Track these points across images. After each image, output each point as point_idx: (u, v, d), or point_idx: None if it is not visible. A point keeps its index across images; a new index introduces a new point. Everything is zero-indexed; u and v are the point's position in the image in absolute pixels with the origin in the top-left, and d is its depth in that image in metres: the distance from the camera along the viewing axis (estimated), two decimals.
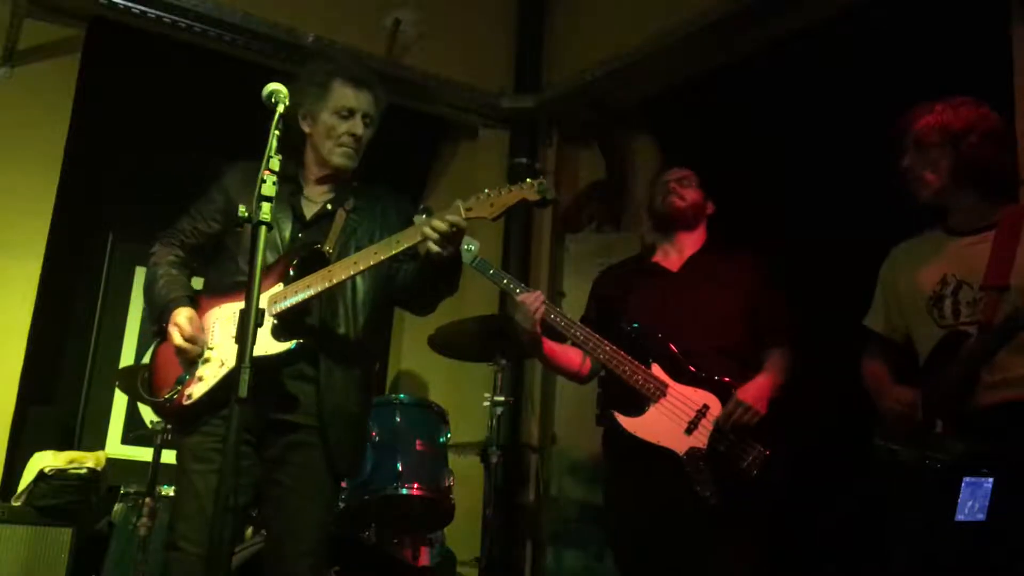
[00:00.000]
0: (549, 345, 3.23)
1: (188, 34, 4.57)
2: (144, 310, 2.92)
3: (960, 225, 2.70)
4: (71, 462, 3.99)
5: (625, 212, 5.23)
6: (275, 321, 2.63)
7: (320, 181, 2.87)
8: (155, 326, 2.76)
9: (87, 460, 4.03)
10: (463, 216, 2.53)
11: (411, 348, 5.28)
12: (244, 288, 2.65)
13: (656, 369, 3.08)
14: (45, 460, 3.96)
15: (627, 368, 3.06)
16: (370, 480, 3.45)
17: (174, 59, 4.69)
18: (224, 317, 2.70)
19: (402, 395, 3.95)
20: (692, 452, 2.97)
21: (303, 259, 2.69)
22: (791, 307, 3.27)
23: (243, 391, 2.10)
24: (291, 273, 2.66)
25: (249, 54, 4.74)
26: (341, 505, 3.43)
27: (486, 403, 3.95)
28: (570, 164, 5.52)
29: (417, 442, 3.56)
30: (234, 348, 2.61)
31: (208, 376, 2.65)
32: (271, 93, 2.33)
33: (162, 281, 2.77)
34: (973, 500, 2.31)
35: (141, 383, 2.76)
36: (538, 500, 4.98)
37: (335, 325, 2.73)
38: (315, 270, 2.65)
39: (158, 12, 4.45)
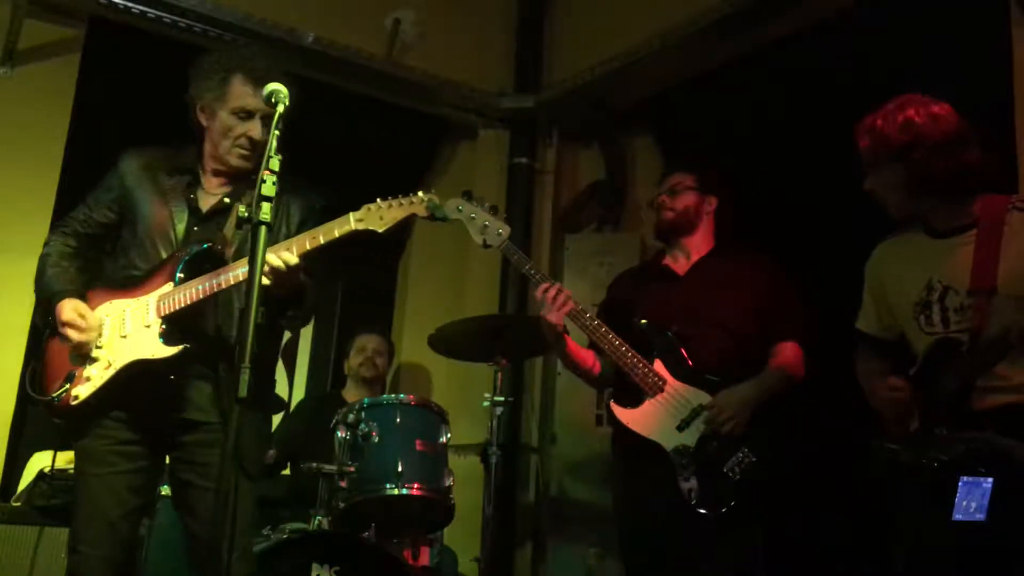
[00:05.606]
0: (568, 340, 3.24)
1: (188, 34, 4.56)
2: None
3: (939, 226, 2.63)
4: (71, 462, 3.98)
5: (625, 212, 5.23)
6: (163, 324, 2.53)
7: (217, 173, 2.76)
8: (42, 319, 2.68)
9: None
10: (325, 240, 2.46)
11: (411, 348, 5.28)
12: (136, 284, 2.59)
13: (658, 365, 3.11)
14: (45, 460, 3.96)
15: (630, 360, 3.09)
16: (370, 480, 3.45)
17: (174, 59, 4.67)
18: (114, 314, 2.59)
19: (402, 395, 3.93)
20: (679, 449, 2.98)
21: (194, 257, 2.57)
22: (803, 303, 3.26)
23: (243, 391, 2.06)
24: (180, 273, 2.55)
25: None
26: (341, 505, 3.43)
27: (486, 403, 3.94)
28: (570, 164, 5.53)
29: (417, 442, 3.55)
30: (122, 347, 2.54)
31: (95, 376, 2.55)
32: (271, 93, 2.31)
33: (50, 272, 2.69)
34: (970, 500, 2.29)
35: (30, 378, 2.66)
36: (538, 500, 4.98)
37: (229, 328, 2.61)
38: (208, 269, 2.53)
39: (158, 12, 4.45)
